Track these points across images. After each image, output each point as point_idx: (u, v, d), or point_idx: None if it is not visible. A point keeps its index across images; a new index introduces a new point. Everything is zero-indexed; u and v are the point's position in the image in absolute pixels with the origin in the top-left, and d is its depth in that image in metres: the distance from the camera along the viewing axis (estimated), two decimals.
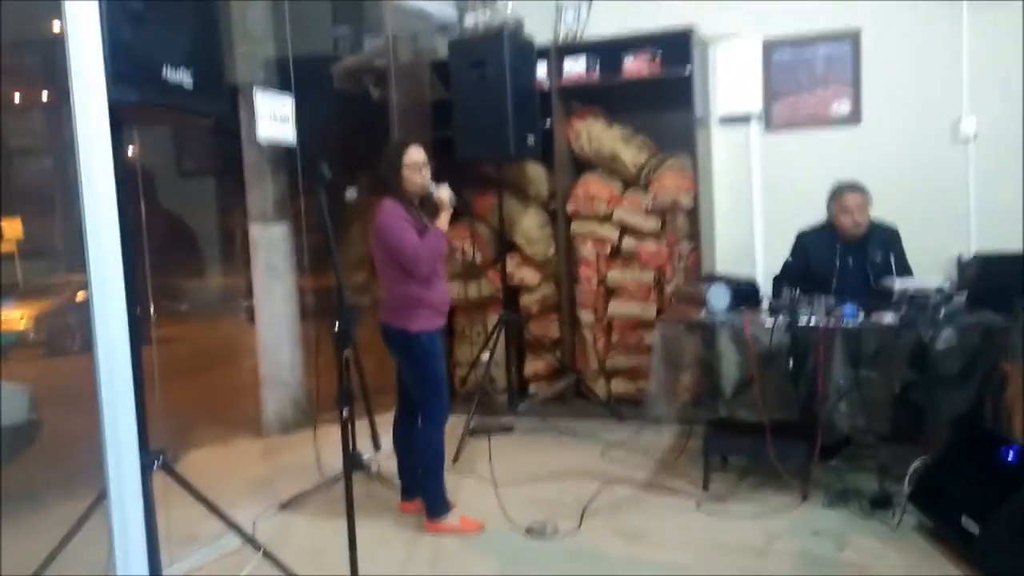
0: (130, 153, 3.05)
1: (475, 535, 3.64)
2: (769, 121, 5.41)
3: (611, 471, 4.29)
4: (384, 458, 4.04)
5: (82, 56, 2.42)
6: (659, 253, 5.20)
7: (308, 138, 4.20)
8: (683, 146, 5.19)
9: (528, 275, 5.52)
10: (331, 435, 3.30)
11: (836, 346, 3.73)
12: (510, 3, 5.41)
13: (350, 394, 2.82)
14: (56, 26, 2.47)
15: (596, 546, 3.48)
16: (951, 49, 4.97)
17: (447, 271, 4.18)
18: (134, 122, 3.05)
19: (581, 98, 5.56)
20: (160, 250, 3.66)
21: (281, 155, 5.11)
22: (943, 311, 3.59)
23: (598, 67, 5.36)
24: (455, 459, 4.49)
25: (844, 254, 4.17)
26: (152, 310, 3.78)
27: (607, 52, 5.32)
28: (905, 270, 4.12)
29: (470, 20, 5.47)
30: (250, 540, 3.17)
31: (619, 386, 5.41)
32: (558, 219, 5.46)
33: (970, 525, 3.05)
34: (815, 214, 4.29)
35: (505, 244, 5.39)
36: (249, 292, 5.47)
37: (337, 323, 2.81)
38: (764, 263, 5.31)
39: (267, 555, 3.16)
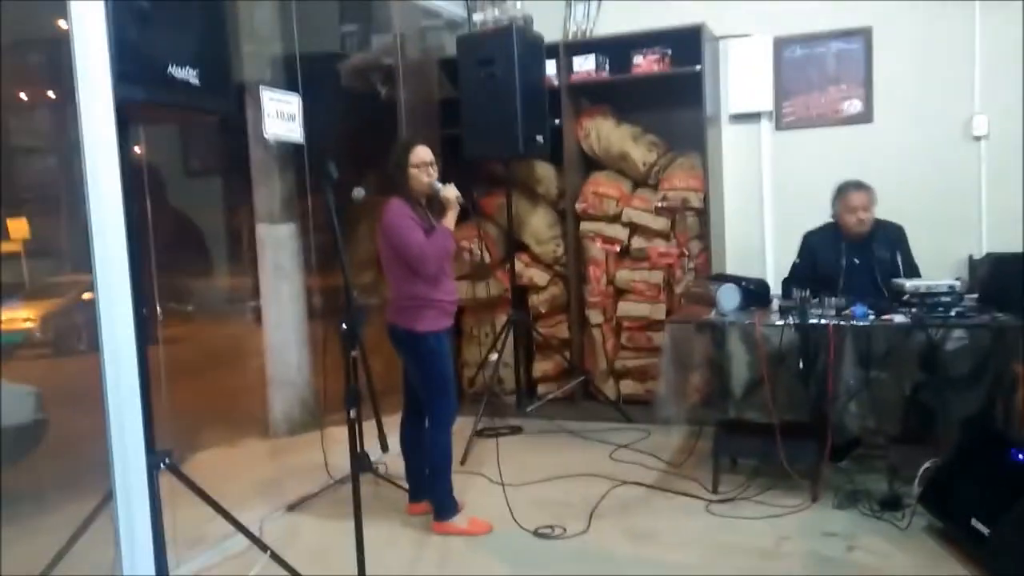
0: (136, 152, 3.04)
1: (483, 536, 3.63)
2: (780, 120, 5.39)
3: (620, 472, 4.27)
4: (392, 459, 4.03)
5: (88, 55, 2.43)
6: (669, 253, 5.18)
7: (315, 137, 4.19)
8: (693, 145, 5.17)
9: (537, 275, 5.50)
10: (338, 436, 3.30)
11: (846, 347, 3.70)
12: (519, 0, 5.39)
13: (357, 395, 2.81)
14: (62, 24, 2.46)
15: (604, 547, 3.46)
16: (963, 48, 4.94)
17: (454, 271, 4.17)
18: (140, 121, 3.05)
19: (590, 96, 5.54)
20: (166, 250, 3.65)
21: (288, 154, 5.10)
22: (954, 311, 3.58)
23: (608, 65, 5.34)
24: (463, 460, 4.47)
25: (850, 253, 4.15)
26: (158, 310, 3.78)
27: (617, 50, 5.30)
28: (911, 268, 4.11)
29: (479, 17, 5.46)
30: (257, 541, 3.16)
31: (628, 387, 5.39)
32: (567, 218, 5.45)
33: (980, 527, 3.04)
34: (826, 214, 4.26)
35: (514, 244, 5.38)
36: (256, 292, 5.46)
37: (344, 323, 2.80)
38: (774, 263, 5.30)
39: (274, 556, 3.15)
